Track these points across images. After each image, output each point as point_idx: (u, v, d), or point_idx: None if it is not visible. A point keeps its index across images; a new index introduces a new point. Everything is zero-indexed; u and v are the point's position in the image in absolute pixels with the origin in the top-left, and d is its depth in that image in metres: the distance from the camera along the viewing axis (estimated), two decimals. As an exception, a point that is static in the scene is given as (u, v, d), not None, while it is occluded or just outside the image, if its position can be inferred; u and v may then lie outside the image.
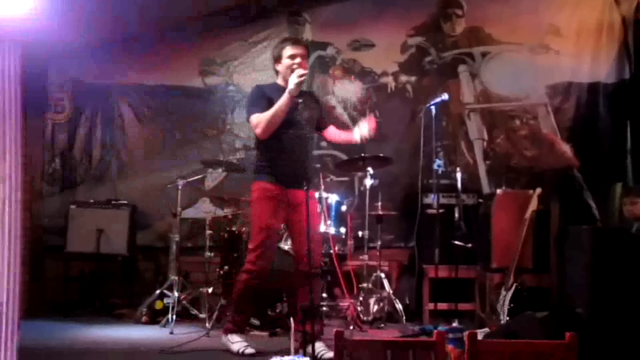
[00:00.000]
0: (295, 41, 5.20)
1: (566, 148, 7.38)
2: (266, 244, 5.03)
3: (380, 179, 6.77)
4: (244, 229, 6.75)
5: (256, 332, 5.90)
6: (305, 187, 4.66)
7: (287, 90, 4.89)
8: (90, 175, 7.93)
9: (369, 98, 7.78)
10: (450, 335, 5.32)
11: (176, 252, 6.84)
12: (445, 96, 6.48)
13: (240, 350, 5.08)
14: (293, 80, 4.87)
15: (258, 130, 5.02)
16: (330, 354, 4.87)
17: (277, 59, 5.13)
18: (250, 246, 5.16)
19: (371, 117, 5.36)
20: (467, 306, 6.65)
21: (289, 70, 5.01)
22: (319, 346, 4.88)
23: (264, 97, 5.05)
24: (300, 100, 4.96)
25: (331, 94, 7.91)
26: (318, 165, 7.36)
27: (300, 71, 4.90)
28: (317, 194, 6.07)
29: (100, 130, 7.97)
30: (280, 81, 5.15)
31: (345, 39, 7.90)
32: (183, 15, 7.59)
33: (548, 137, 7.51)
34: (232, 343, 5.16)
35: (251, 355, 5.07)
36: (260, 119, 4.99)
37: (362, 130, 5.19)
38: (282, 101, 4.91)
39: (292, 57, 5.04)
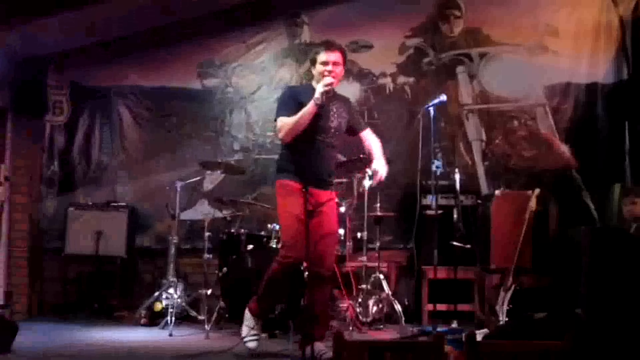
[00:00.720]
0: (329, 46, 5.05)
1: (564, 149, 7.39)
2: (297, 235, 4.85)
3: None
4: (242, 230, 6.75)
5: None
6: (329, 188, 4.81)
7: (313, 98, 4.84)
8: (88, 178, 7.94)
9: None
10: (449, 336, 5.34)
11: (175, 254, 6.84)
12: (443, 97, 6.48)
13: (245, 338, 5.03)
14: (319, 89, 4.83)
15: (281, 134, 5.00)
16: (330, 355, 4.85)
17: (313, 62, 5.07)
18: (283, 238, 5.10)
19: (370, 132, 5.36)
20: (466, 307, 6.65)
21: (320, 76, 4.96)
22: (319, 347, 4.86)
23: (293, 100, 4.98)
24: (332, 107, 4.99)
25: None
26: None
27: (328, 80, 4.84)
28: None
29: (99, 132, 7.98)
30: (315, 84, 5.05)
31: (343, 40, 7.81)
32: (181, 17, 7.60)
33: (546, 137, 7.51)
34: (246, 324, 5.08)
35: (250, 349, 5.02)
36: (284, 123, 4.95)
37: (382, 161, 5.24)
38: (307, 109, 4.85)
39: (325, 63, 4.96)
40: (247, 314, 5.13)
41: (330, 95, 4.91)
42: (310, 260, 4.90)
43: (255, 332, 5.06)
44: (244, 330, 5.08)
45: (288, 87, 5.09)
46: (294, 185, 4.93)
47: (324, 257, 4.94)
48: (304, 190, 4.81)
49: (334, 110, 5.04)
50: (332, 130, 5.03)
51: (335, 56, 4.97)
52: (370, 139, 5.34)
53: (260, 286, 5.13)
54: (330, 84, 4.85)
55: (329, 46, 5.03)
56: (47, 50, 7.40)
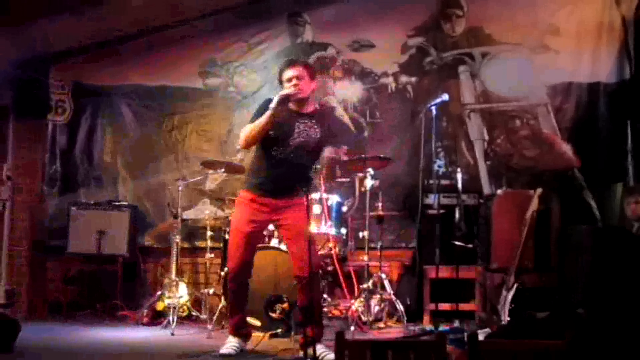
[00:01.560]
0: (290, 63, 5.17)
1: (566, 148, 7.38)
2: (233, 247, 5.11)
3: (380, 179, 6.78)
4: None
5: (257, 334, 5.89)
6: (288, 196, 4.96)
7: (270, 107, 4.90)
8: (91, 177, 7.95)
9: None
10: (451, 336, 5.34)
11: (177, 253, 6.84)
12: (445, 96, 6.47)
13: (220, 351, 5.08)
14: (275, 99, 4.91)
15: (239, 141, 5.14)
16: (332, 356, 4.85)
17: (280, 82, 5.15)
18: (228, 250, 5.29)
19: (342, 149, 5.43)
20: (468, 306, 6.65)
21: None
22: (320, 348, 4.89)
23: (263, 110, 5.02)
24: (299, 124, 5.04)
25: (331, 94, 7.91)
26: (318, 166, 7.37)
27: (283, 91, 4.95)
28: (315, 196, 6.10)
29: (101, 132, 8.00)
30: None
31: (345, 40, 7.90)
32: (184, 16, 7.61)
33: (548, 137, 7.50)
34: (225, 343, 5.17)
35: (222, 355, 5.04)
36: (243, 130, 5.08)
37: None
38: (262, 118, 4.93)
39: (288, 80, 5.06)
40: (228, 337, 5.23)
41: (285, 105, 4.97)
42: (294, 265, 5.05)
43: (232, 343, 5.11)
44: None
45: (267, 99, 5.12)
46: (247, 196, 5.14)
47: (299, 259, 4.98)
48: (261, 200, 5.04)
49: (301, 127, 5.08)
50: (293, 147, 5.05)
51: (296, 71, 5.05)
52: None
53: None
54: (287, 95, 4.93)
55: (290, 63, 5.17)
56: (49, 49, 7.41)
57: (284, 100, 4.92)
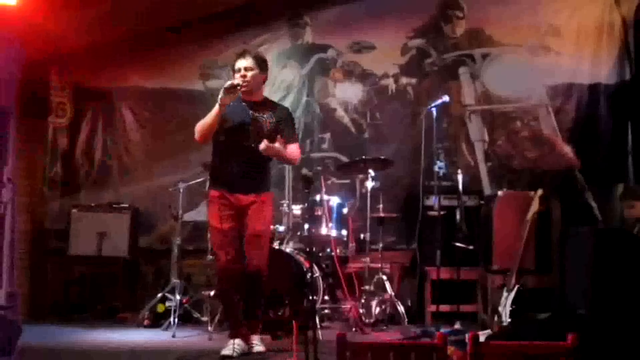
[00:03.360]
0: (242, 54, 5.27)
1: (567, 149, 7.37)
2: (219, 246, 5.18)
3: (381, 181, 6.79)
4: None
5: (259, 335, 5.88)
6: (251, 192, 5.06)
7: (218, 99, 5.03)
8: (91, 179, 7.95)
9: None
10: (452, 337, 5.33)
11: (178, 255, 6.84)
12: (446, 98, 6.49)
13: (222, 352, 5.10)
14: (221, 90, 5.01)
15: (195, 135, 5.22)
16: (262, 348, 5.17)
17: (232, 71, 5.31)
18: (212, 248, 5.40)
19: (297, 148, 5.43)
20: (469, 308, 6.65)
21: None
22: (254, 339, 5.19)
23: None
24: (253, 113, 5.17)
25: (332, 96, 7.92)
26: (319, 168, 7.39)
27: (228, 82, 5.05)
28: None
29: (102, 134, 7.99)
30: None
31: (345, 41, 7.91)
32: (184, 18, 7.61)
33: (549, 138, 7.50)
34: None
35: (223, 357, 5.06)
36: (197, 124, 5.19)
37: (285, 150, 5.26)
38: (212, 111, 5.07)
39: (237, 70, 5.21)
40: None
41: (234, 94, 5.05)
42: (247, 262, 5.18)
43: (232, 344, 5.11)
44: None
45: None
46: (213, 194, 5.22)
47: (249, 257, 5.14)
48: (224, 197, 5.13)
49: (252, 115, 5.20)
50: (247, 136, 5.15)
51: (246, 62, 5.19)
52: (293, 146, 5.35)
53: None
54: (234, 86, 5.01)
55: (242, 54, 5.27)
56: (50, 51, 7.40)
57: (229, 90, 5.00)
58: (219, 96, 5.00)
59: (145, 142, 7.95)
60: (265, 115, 5.24)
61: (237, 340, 5.14)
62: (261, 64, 5.27)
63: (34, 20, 6.12)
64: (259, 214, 5.17)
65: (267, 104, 5.36)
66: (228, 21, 7.85)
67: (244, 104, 5.23)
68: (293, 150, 5.31)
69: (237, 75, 5.18)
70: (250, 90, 5.20)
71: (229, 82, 5.04)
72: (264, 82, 5.37)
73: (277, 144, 5.11)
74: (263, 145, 5.03)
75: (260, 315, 5.33)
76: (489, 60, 7.74)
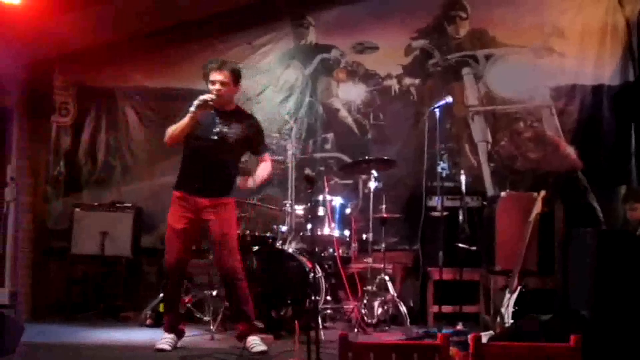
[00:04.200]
0: (219, 66, 5.34)
1: (570, 150, 7.38)
2: (169, 243, 5.35)
3: (384, 181, 6.79)
4: (247, 231, 6.75)
5: (261, 335, 5.89)
6: (213, 195, 5.19)
7: (189, 110, 5.16)
8: (94, 178, 7.95)
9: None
10: (455, 338, 5.34)
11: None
12: (449, 99, 6.48)
13: (156, 346, 5.29)
14: (194, 102, 5.13)
15: (165, 137, 5.38)
16: (263, 347, 5.24)
17: (205, 78, 5.40)
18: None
19: (267, 159, 5.54)
20: (471, 309, 6.65)
21: None
22: (252, 340, 5.25)
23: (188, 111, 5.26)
24: (219, 123, 5.29)
25: (335, 96, 7.92)
26: (322, 168, 7.39)
27: (201, 96, 5.16)
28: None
29: (105, 133, 7.99)
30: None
31: (349, 42, 7.91)
32: (187, 18, 7.61)
33: (552, 139, 7.50)
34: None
35: (158, 350, 5.25)
36: (168, 129, 5.34)
37: (256, 178, 5.43)
38: (184, 119, 5.20)
39: (213, 83, 5.30)
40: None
41: (206, 108, 5.18)
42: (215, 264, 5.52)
43: (168, 339, 5.33)
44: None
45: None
46: (176, 194, 5.36)
47: (220, 260, 5.36)
48: (185, 198, 5.28)
49: (220, 124, 5.32)
50: (212, 143, 5.27)
51: (222, 76, 5.30)
52: (262, 164, 5.52)
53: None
54: (205, 101, 5.13)
55: (219, 66, 5.34)
56: (53, 51, 7.41)
57: (201, 106, 5.13)
58: (191, 109, 5.14)
59: (148, 142, 7.93)
60: (232, 128, 5.35)
61: (172, 335, 5.36)
62: (237, 78, 5.40)
63: (38, 20, 6.13)
64: (221, 217, 5.29)
65: (237, 115, 5.47)
66: (231, 21, 7.85)
67: (213, 112, 5.32)
68: (263, 168, 5.47)
69: (211, 87, 5.29)
70: (222, 102, 5.31)
71: (202, 98, 5.14)
72: (235, 93, 5.50)
73: (249, 182, 5.37)
74: (241, 183, 5.37)
75: (249, 315, 5.39)
76: (493, 61, 7.74)
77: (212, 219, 5.27)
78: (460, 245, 6.48)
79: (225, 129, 5.32)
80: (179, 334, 5.46)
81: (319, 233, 6.40)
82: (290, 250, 6.34)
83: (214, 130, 5.29)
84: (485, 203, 7.02)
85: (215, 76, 5.30)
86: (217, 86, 5.27)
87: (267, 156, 5.58)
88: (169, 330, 5.42)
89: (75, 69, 7.90)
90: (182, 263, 5.37)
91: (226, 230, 5.33)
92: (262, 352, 5.21)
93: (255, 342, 5.27)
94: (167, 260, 5.38)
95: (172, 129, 5.28)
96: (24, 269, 7.39)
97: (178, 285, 5.51)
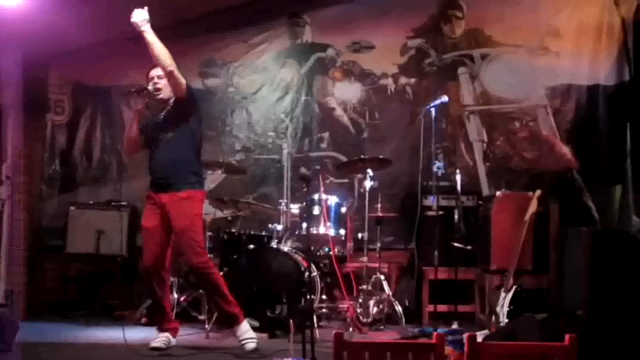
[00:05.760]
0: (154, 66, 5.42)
1: (566, 150, 7.36)
2: (145, 244, 5.39)
3: (379, 180, 6.79)
4: (243, 230, 6.75)
5: (256, 334, 5.89)
6: (168, 189, 5.19)
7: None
8: (90, 177, 7.95)
9: None
10: (450, 337, 5.32)
11: (175, 254, 6.82)
12: (445, 98, 6.49)
13: (152, 345, 5.29)
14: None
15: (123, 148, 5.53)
16: (253, 345, 5.17)
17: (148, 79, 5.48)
18: None
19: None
20: (466, 308, 6.66)
21: None
22: (241, 333, 5.22)
23: None
24: (163, 108, 5.40)
25: (331, 95, 7.92)
26: (318, 167, 7.39)
27: (136, 87, 5.36)
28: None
29: (100, 132, 7.99)
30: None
31: (345, 41, 7.91)
32: (183, 16, 7.59)
33: (548, 138, 7.50)
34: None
35: (153, 349, 5.24)
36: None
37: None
38: (130, 122, 5.44)
39: (151, 78, 5.41)
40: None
41: (142, 97, 5.32)
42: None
43: (162, 338, 5.33)
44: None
45: None
46: (149, 194, 5.42)
47: (183, 253, 5.43)
48: (152, 197, 5.33)
49: (162, 114, 5.41)
50: (159, 132, 5.33)
51: (157, 71, 5.38)
52: None
53: None
54: (142, 89, 5.31)
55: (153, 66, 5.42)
56: (48, 49, 7.39)
57: (139, 92, 5.29)
58: (132, 103, 5.35)
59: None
60: (168, 113, 5.39)
61: (166, 334, 5.34)
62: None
63: (34, 18, 6.12)
64: (177, 210, 5.22)
65: (172, 102, 5.42)
66: (227, 19, 7.84)
67: (155, 105, 5.52)
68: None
69: (150, 83, 5.38)
70: (159, 95, 5.37)
71: (136, 87, 5.35)
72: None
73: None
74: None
75: (226, 310, 5.30)
76: (488, 61, 7.74)
77: (171, 214, 5.23)
78: (455, 244, 6.48)
79: (165, 117, 5.40)
80: (173, 333, 5.43)
81: (314, 232, 6.39)
82: (285, 249, 6.34)
83: (158, 120, 5.43)
84: (480, 202, 7.02)
85: (153, 72, 5.43)
86: (155, 80, 5.38)
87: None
88: (161, 330, 5.39)
89: (70, 67, 7.89)
90: (157, 262, 5.30)
91: (178, 224, 5.24)
92: (255, 350, 5.17)
93: (245, 336, 5.23)
94: (143, 262, 5.43)
95: (124, 135, 5.55)
96: (19, 267, 7.37)
97: (156, 284, 5.37)
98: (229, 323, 5.35)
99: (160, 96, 5.34)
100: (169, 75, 5.21)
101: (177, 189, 5.23)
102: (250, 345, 5.19)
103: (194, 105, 5.42)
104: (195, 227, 5.34)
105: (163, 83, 5.32)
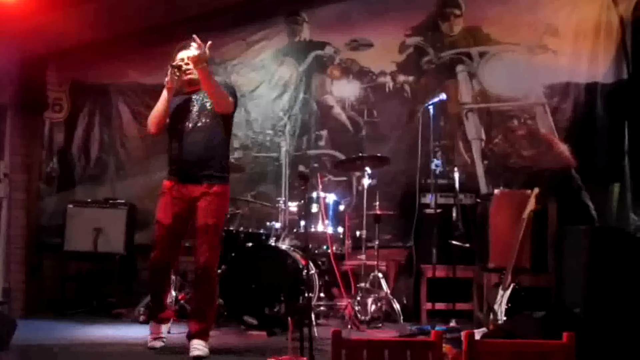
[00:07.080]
0: (186, 47, 5.11)
1: (564, 148, 7.38)
2: (157, 237, 5.13)
3: (378, 178, 6.79)
4: (241, 228, 6.75)
5: (254, 332, 5.89)
6: (202, 181, 4.93)
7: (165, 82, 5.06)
8: (88, 175, 7.94)
9: None
10: (448, 335, 5.35)
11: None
12: (443, 96, 6.49)
13: (149, 344, 5.24)
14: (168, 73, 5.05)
15: (148, 127, 5.25)
16: (200, 352, 4.88)
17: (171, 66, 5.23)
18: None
19: None
20: (464, 306, 6.66)
21: None
22: (196, 343, 4.92)
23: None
24: (196, 95, 5.13)
25: (329, 93, 7.92)
26: (316, 165, 7.39)
27: (173, 63, 5.08)
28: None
29: (99, 130, 7.98)
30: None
31: (343, 39, 7.91)
32: (181, 14, 7.59)
33: (546, 137, 7.51)
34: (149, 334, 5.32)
35: (152, 347, 5.20)
36: (149, 117, 5.22)
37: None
38: (162, 96, 5.09)
39: (182, 60, 5.16)
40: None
41: (182, 78, 5.09)
42: (194, 258, 5.05)
43: (157, 334, 5.28)
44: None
45: None
46: (166, 184, 5.14)
47: (196, 253, 5.03)
48: (175, 189, 5.06)
49: (196, 100, 5.14)
50: (193, 118, 5.08)
51: (186, 53, 5.12)
52: None
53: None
54: (175, 68, 5.04)
55: (186, 45, 5.09)
56: (47, 47, 7.39)
57: (176, 69, 5.02)
58: (166, 79, 5.05)
59: (142, 138, 7.92)
60: (205, 99, 5.13)
61: (161, 330, 5.32)
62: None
63: (32, 16, 6.11)
64: (209, 206, 4.99)
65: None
66: (225, 18, 7.83)
67: (187, 91, 5.22)
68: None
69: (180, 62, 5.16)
70: (193, 79, 5.11)
71: (174, 63, 5.09)
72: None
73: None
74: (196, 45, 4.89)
75: (207, 318, 5.08)
76: (487, 59, 7.74)
77: (200, 207, 4.99)
78: (453, 242, 6.49)
79: (201, 103, 5.15)
80: (167, 322, 5.40)
81: (312, 230, 6.40)
82: (283, 247, 6.33)
83: (191, 106, 5.16)
84: (478, 200, 7.02)
85: (183, 54, 5.19)
86: (186, 61, 5.13)
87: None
88: (158, 321, 5.32)
89: (68, 65, 7.87)
90: (167, 262, 5.20)
91: (206, 220, 5.00)
92: (198, 357, 4.85)
93: (197, 346, 4.91)
94: (153, 256, 5.17)
95: (153, 112, 5.18)
96: (17, 265, 7.37)
97: (165, 281, 5.35)
98: (197, 332, 5.02)
99: (191, 76, 5.11)
100: (223, 109, 5.08)
101: (211, 182, 5.00)
102: (196, 352, 4.90)
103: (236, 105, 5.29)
104: (221, 226, 5.20)
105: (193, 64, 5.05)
